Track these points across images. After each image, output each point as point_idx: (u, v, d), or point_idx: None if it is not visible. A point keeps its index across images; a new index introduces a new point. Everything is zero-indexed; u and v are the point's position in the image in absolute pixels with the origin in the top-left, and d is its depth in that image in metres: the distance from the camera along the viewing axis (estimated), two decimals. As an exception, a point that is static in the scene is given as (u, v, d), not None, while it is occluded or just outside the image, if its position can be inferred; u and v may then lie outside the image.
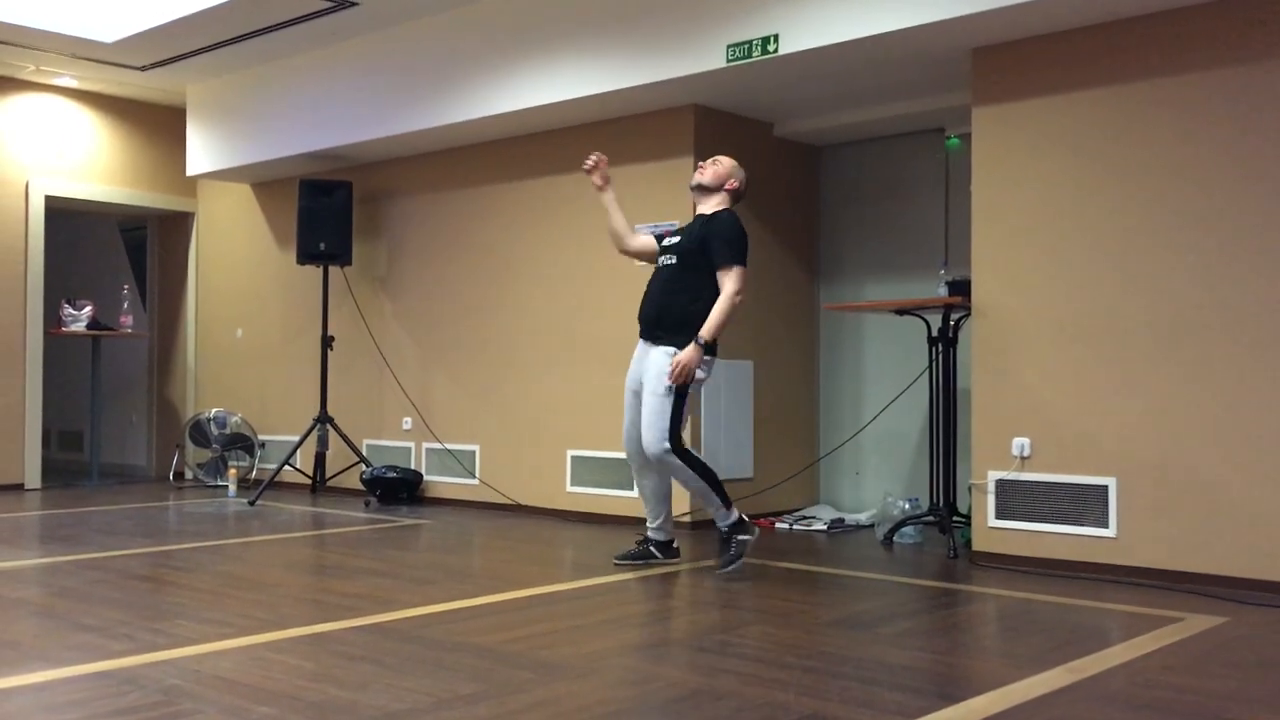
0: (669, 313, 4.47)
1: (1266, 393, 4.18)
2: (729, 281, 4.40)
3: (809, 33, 4.94)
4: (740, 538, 4.48)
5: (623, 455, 6.06)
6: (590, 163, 4.75)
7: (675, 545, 4.78)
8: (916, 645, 3.33)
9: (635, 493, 4.87)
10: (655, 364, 4.45)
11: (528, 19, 6.06)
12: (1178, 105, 4.42)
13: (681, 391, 4.41)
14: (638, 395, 4.56)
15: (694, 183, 4.63)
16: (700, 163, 4.72)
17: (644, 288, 4.62)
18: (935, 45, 4.89)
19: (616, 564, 4.71)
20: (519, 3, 6.10)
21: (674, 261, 4.50)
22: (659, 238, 4.74)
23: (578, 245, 6.43)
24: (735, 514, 4.51)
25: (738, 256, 4.42)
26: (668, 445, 4.38)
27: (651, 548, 4.72)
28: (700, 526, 5.75)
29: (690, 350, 4.37)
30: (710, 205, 4.60)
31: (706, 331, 4.38)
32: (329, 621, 3.57)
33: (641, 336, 4.60)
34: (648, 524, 4.75)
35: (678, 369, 4.36)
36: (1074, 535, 4.60)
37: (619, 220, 4.79)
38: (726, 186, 4.59)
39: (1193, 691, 2.83)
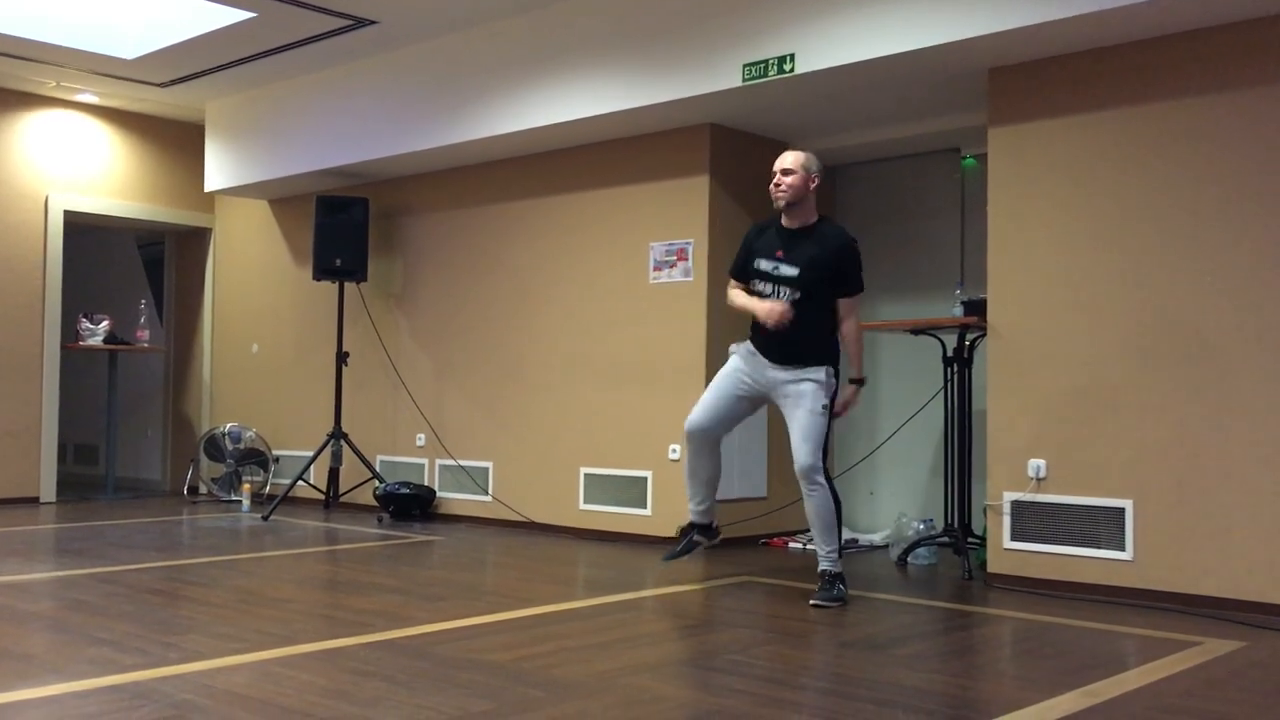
0: (808, 341, 4.43)
1: (1285, 415, 4.15)
2: (856, 311, 4.48)
3: (825, 52, 4.95)
4: (842, 587, 4.41)
5: (636, 473, 6.12)
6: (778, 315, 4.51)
7: (715, 526, 4.84)
8: (931, 667, 3.31)
9: (686, 477, 4.71)
10: (812, 379, 4.39)
11: (544, 38, 6.09)
12: (1197, 126, 4.41)
13: (832, 414, 4.47)
14: (740, 392, 4.55)
15: (780, 204, 4.44)
16: (776, 177, 4.41)
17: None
18: (951, 65, 4.90)
19: (667, 562, 4.85)
20: (536, 22, 6.14)
21: (800, 296, 4.40)
22: (757, 271, 4.51)
23: (593, 262, 6.44)
24: (841, 566, 4.46)
25: (862, 285, 4.51)
26: (822, 464, 4.40)
27: (695, 535, 4.79)
28: (730, 544, 5.72)
29: (856, 393, 4.53)
30: (802, 214, 4.44)
31: (862, 368, 4.56)
32: (341, 637, 3.56)
33: (771, 360, 4.46)
34: (693, 507, 4.75)
35: (845, 408, 4.53)
36: (1090, 558, 4.57)
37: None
38: (811, 188, 4.43)
39: (1211, 716, 2.80)
